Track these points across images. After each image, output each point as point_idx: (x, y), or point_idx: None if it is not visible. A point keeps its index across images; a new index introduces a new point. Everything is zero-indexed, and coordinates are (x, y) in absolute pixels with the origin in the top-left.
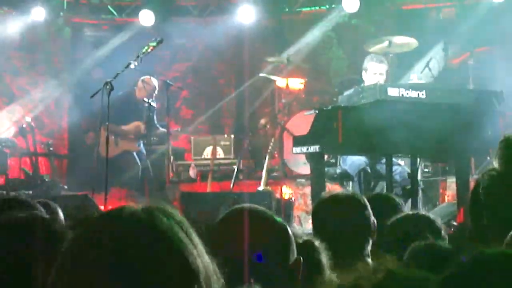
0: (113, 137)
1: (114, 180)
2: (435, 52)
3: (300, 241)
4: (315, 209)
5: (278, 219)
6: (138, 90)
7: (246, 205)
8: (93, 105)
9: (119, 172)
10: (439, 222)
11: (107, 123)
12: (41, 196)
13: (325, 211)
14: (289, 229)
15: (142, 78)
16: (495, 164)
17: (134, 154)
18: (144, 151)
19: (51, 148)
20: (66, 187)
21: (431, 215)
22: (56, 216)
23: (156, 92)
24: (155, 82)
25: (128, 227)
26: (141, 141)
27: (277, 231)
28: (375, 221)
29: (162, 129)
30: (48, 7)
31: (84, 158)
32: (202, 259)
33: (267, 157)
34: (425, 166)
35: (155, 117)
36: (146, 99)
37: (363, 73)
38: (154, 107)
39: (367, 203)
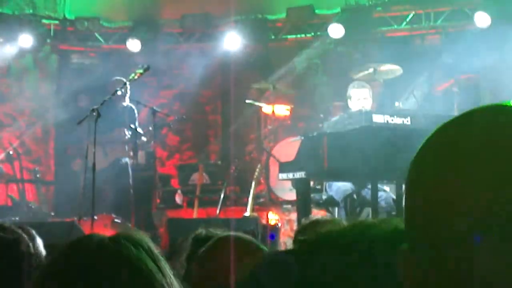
0: (101, 151)
1: (102, 204)
2: (420, 79)
3: None
4: (296, 235)
5: (262, 246)
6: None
7: (231, 233)
8: (80, 132)
9: (113, 180)
10: None
11: (94, 150)
12: (28, 222)
13: (306, 236)
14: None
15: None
16: None
17: (127, 161)
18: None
19: (37, 175)
20: (52, 213)
21: None
22: (33, 241)
23: (128, 93)
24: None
25: (94, 256)
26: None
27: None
28: None
29: (143, 138)
30: (35, 34)
31: (71, 185)
32: (172, 287)
33: (253, 183)
34: None
35: (136, 119)
36: (124, 103)
37: (348, 101)
38: (133, 108)
39: None
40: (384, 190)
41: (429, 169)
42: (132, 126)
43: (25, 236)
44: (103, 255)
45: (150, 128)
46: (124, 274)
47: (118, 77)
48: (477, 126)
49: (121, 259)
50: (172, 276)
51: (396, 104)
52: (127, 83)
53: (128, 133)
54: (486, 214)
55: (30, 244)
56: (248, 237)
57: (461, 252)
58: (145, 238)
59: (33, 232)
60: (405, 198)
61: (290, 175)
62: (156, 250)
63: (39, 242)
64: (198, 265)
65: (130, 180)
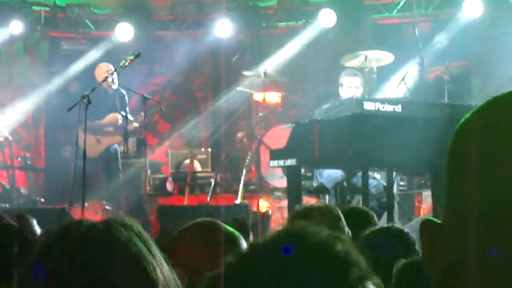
0: (93, 137)
1: (93, 191)
2: (411, 66)
3: None
4: (289, 221)
5: (234, 232)
6: (98, 74)
7: (204, 219)
8: (70, 118)
9: (106, 168)
10: (413, 235)
11: (84, 137)
12: (18, 209)
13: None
14: (242, 240)
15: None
16: None
17: (117, 149)
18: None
19: (28, 162)
20: (43, 200)
21: (405, 228)
22: (31, 228)
23: (114, 76)
24: (106, 66)
25: (86, 239)
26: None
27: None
28: (350, 232)
29: (135, 124)
30: (25, 21)
31: (61, 172)
32: (161, 268)
33: (244, 171)
34: (401, 180)
35: (127, 105)
36: (113, 88)
37: (340, 89)
38: (124, 95)
39: (341, 215)
40: (375, 178)
41: (474, 149)
42: (123, 113)
43: (35, 224)
44: (93, 237)
45: (142, 113)
46: (114, 255)
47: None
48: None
49: (111, 241)
50: (161, 258)
51: (387, 91)
52: (117, 69)
53: (120, 119)
54: None
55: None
56: (220, 223)
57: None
58: (135, 222)
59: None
60: (448, 182)
61: (281, 163)
62: (145, 234)
63: (37, 228)
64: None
65: (120, 167)
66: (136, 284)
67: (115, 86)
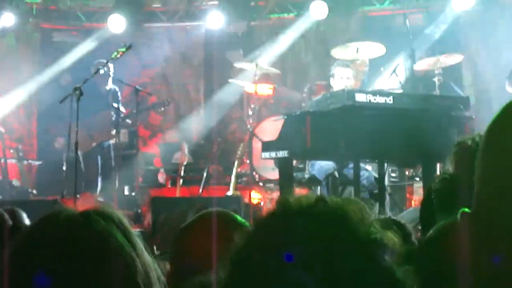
0: (86, 133)
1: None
2: (402, 58)
3: None
4: None
5: (245, 222)
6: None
7: (213, 209)
8: (62, 110)
9: (99, 163)
10: (409, 226)
11: (76, 129)
12: (10, 201)
13: None
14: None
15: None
16: (450, 169)
17: (111, 144)
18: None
19: (20, 153)
20: (35, 192)
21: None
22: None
23: (111, 74)
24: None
25: (64, 229)
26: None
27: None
28: None
29: (127, 121)
30: (17, 12)
31: (54, 163)
32: (142, 259)
33: (236, 162)
34: (392, 171)
35: (119, 100)
36: (107, 87)
37: (331, 79)
38: (116, 90)
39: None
40: (366, 169)
41: None
42: (115, 105)
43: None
44: (72, 228)
45: (134, 111)
46: (92, 247)
47: (101, 60)
48: None
49: (90, 232)
50: (143, 249)
51: (379, 83)
52: (109, 61)
53: (113, 115)
54: None
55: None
56: (230, 213)
57: None
58: (116, 212)
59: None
60: (484, 165)
61: (273, 154)
62: (127, 224)
63: (27, 223)
64: (177, 241)
65: (112, 162)
66: (114, 276)
67: (110, 80)
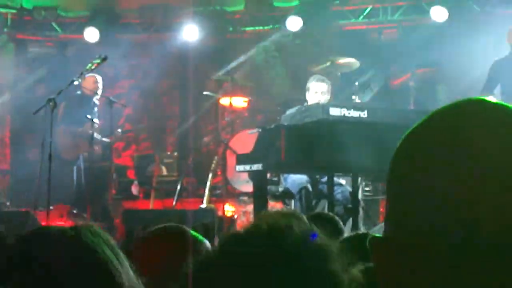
0: (72, 141)
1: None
2: (377, 73)
3: None
4: None
5: (201, 237)
6: (87, 84)
7: (166, 224)
8: (36, 121)
9: (70, 172)
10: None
11: (50, 140)
12: None
13: None
14: (207, 245)
15: (91, 74)
16: None
17: (84, 156)
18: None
19: None
20: (8, 203)
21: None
22: None
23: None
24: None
25: (55, 242)
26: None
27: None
28: None
29: (104, 139)
30: None
31: (27, 174)
32: (128, 275)
33: (210, 175)
34: (366, 185)
35: (96, 110)
36: (95, 100)
37: (307, 93)
38: (96, 104)
39: (306, 221)
40: (340, 184)
41: (410, 165)
42: (89, 116)
43: None
44: (63, 241)
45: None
46: (83, 259)
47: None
48: (439, 128)
49: (80, 245)
50: (127, 265)
51: (353, 97)
52: (84, 72)
53: (92, 127)
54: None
55: None
56: (184, 228)
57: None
58: (101, 230)
59: None
60: (388, 190)
61: (247, 167)
62: (112, 241)
63: None
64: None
65: (82, 174)
66: (102, 287)
67: (98, 97)
